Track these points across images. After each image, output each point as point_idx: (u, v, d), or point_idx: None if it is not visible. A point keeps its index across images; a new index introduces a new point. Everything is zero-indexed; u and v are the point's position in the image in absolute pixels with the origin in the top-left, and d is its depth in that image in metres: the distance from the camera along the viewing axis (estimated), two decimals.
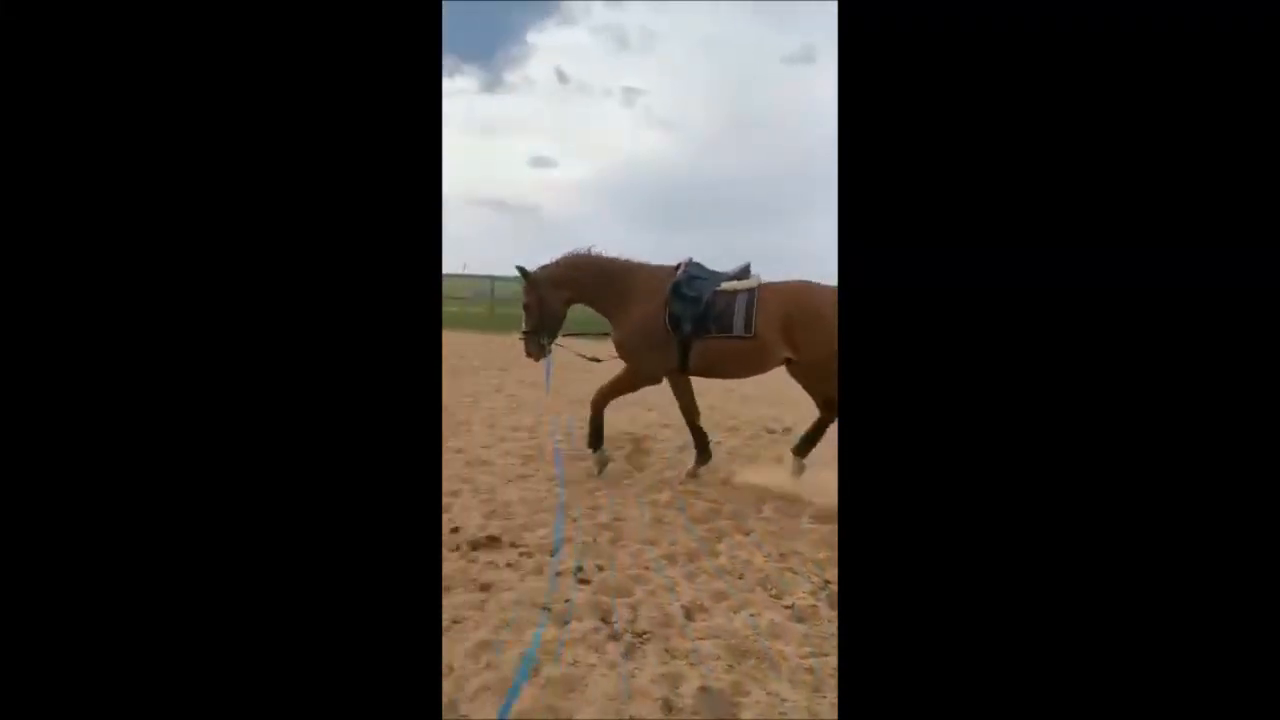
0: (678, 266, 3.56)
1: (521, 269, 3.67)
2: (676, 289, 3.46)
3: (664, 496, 3.30)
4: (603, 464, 3.67)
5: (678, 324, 3.43)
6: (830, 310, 3.32)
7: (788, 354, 3.40)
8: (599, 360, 3.97)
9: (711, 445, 3.83)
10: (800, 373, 3.56)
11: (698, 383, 3.75)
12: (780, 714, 1.62)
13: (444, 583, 2.19)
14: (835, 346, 3.15)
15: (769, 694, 1.69)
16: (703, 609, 2.13)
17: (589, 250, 3.68)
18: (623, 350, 3.62)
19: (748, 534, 2.84)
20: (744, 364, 3.48)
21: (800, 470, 3.58)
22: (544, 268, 3.67)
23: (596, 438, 3.65)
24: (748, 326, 3.35)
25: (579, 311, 3.82)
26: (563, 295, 3.63)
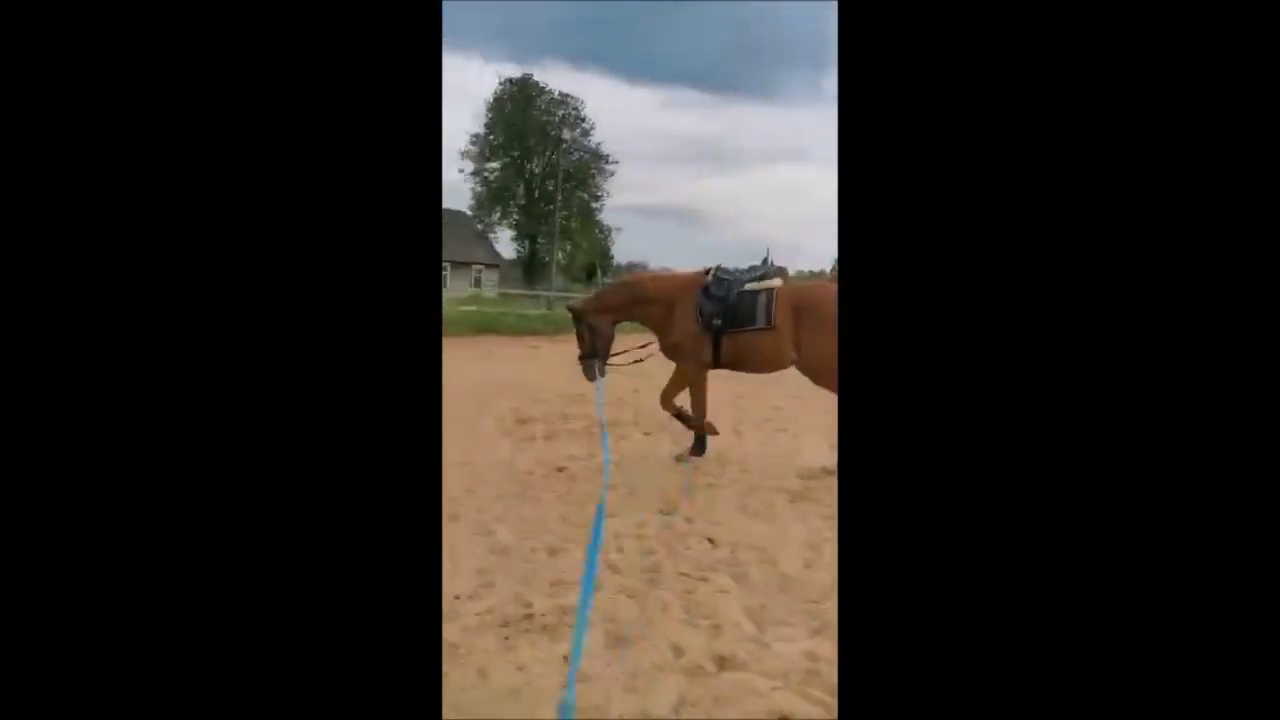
0: (707, 271, 4.09)
1: (569, 307, 4.23)
2: (705, 290, 3.98)
3: None
4: (710, 431, 4.15)
5: (709, 321, 3.92)
6: (832, 305, 3.73)
7: (795, 350, 3.87)
8: (640, 360, 4.42)
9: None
10: (807, 368, 3.95)
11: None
12: None
13: None
14: (833, 341, 3.65)
15: None
16: None
17: (630, 274, 4.33)
18: (674, 353, 4.13)
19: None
20: (766, 355, 3.95)
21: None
22: (587, 299, 4.25)
23: (689, 421, 4.14)
24: (768, 319, 3.86)
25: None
26: (609, 319, 4.19)
